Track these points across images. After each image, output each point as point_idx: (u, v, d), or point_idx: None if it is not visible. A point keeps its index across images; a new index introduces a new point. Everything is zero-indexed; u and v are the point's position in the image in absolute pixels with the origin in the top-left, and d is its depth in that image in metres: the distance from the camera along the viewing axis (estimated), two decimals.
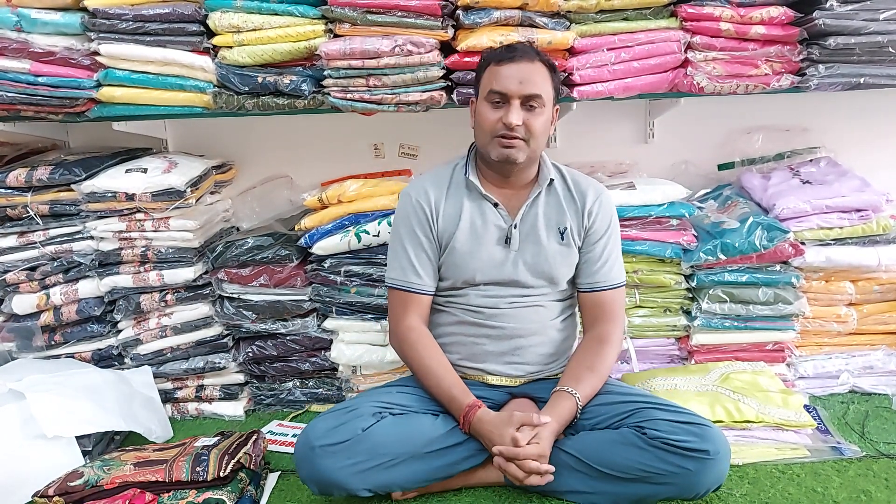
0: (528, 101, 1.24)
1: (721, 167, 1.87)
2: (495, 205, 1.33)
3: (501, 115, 1.25)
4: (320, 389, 1.73)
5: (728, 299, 1.58)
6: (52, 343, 1.68)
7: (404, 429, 1.21)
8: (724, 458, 1.15)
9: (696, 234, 1.62)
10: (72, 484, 1.20)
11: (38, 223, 1.63)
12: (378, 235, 1.59)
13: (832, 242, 1.58)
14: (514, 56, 1.25)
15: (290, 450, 1.23)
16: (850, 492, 1.24)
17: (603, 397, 1.27)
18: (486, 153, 1.30)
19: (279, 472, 1.40)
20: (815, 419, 1.49)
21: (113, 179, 1.60)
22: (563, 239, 1.33)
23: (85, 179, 1.60)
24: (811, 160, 1.78)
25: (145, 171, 1.63)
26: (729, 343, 1.63)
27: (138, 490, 1.20)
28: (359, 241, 1.60)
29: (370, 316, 1.64)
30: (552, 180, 1.34)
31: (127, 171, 1.63)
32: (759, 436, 1.38)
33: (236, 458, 1.26)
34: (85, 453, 1.40)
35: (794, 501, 1.22)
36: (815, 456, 1.35)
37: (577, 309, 1.43)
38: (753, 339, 1.62)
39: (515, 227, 1.32)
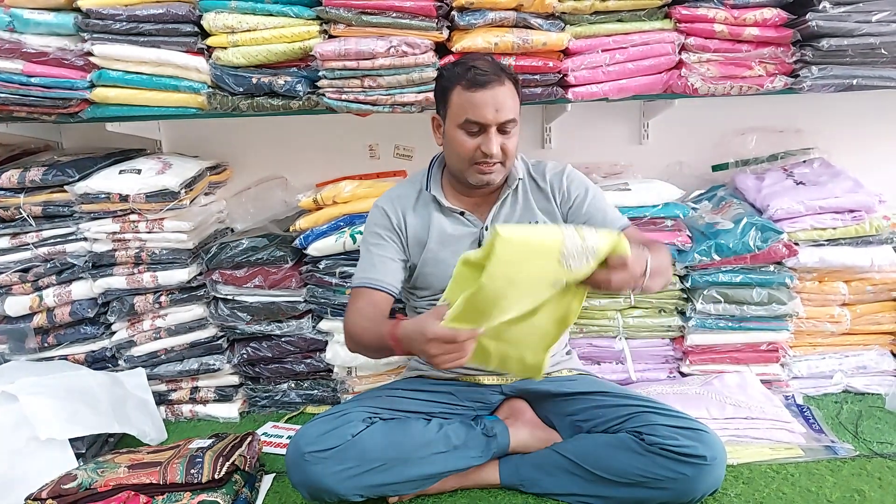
0: (504, 126, 1.21)
1: (715, 168, 1.88)
2: (461, 213, 1.32)
3: (479, 143, 1.21)
4: (315, 391, 1.73)
5: (722, 300, 1.59)
6: (46, 345, 1.67)
7: (394, 434, 1.21)
8: (721, 463, 1.15)
9: (690, 235, 1.62)
10: (65, 486, 1.19)
11: (31, 224, 1.62)
12: None
13: (825, 243, 1.59)
14: (486, 81, 1.18)
15: (285, 451, 1.23)
16: (843, 491, 1.25)
17: (601, 399, 1.27)
18: (462, 177, 1.28)
19: (274, 474, 1.39)
20: (808, 419, 1.50)
21: (106, 180, 1.59)
22: None
23: (78, 181, 1.59)
24: (805, 161, 1.79)
25: (139, 172, 1.62)
26: (723, 343, 1.63)
27: (132, 492, 1.19)
28: (354, 243, 1.59)
29: None
30: (519, 180, 1.33)
31: (121, 173, 1.62)
32: (753, 435, 1.38)
33: (231, 460, 1.25)
34: (78, 456, 1.40)
35: (789, 501, 1.23)
36: (809, 455, 1.35)
37: None
38: (747, 339, 1.62)
39: (486, 229, 1.31)
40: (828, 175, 1.70)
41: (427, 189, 1.34)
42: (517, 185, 1.33)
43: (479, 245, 1.31)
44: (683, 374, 1.67)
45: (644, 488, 1.16)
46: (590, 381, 1.36)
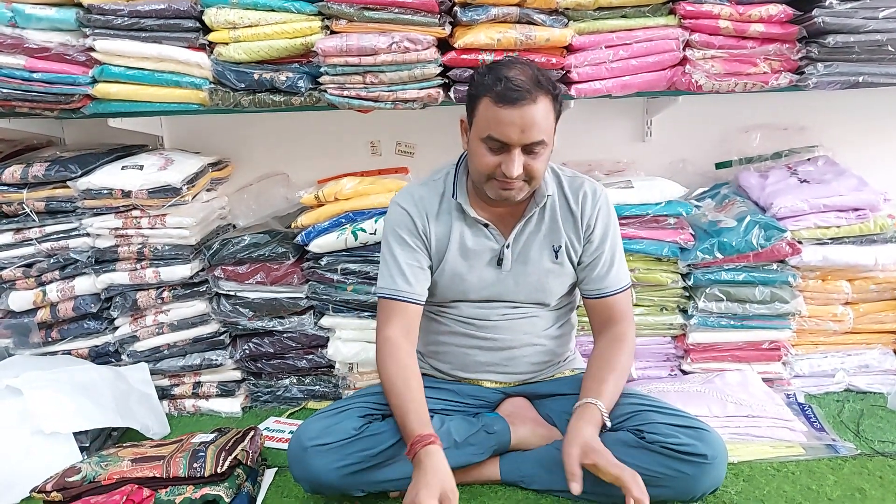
0: (530, 147, 1.14)
1: (719, 166, 1.87)
2: (486, 225, 1.28)
3: (500, 161, 1.14)
4: (317, 386, 1.73)
5: (725, 298, 1.58)
6: (49, 340, 1.68)
7: (396, 430, 1.20)
8: (722, 462, 1.15)
9: (693, 233, 1.62)
10: (69, 480, 1.21)
11: (34, 220, 1.62)
12: (375, 233, 1.59)
13: (829, 241, 1.58)
14: (516, 99, 1.10)
15: (287, 446, 1.24)
16: (844, 489, 1.25)
17: None
18: (482, 189, 1.22)
19: (276, 469, 1.40)
20: (810, 417, 1.50)
21: (109, 176, 1.60)
22: (556, 258, 1.28)
23: (81, 176, 1.59)
24: (809, 159, 1.77)
25: (141, 168, 1.63)
26: (725, 342, 1.63)
27: (136, 486, 1.20)
28: (355, 239, 1.59)
29: (367, 314, 1.64)
30: (548, 196, 1.26)
31: (123, 168, 1.62)
32: (754, 433, 1.38)
33: (233, 455, 1.26)
34: (82, 449, 1.41)
35: (789, 499, 1.23)
36: (810, 454, 1.35)
37: (573, 312, 1.41)
38: (749, 337, 1.62)
39: (508, 247, 1.27)
40: (832, 173, 1.69)
41: (453, 196, 1.27)
42: (545, 202, 1.26)
43: (499, 263, 1.28)
44: (685, 372, 1.67)
45: (646, 486, 1.16)
46: None
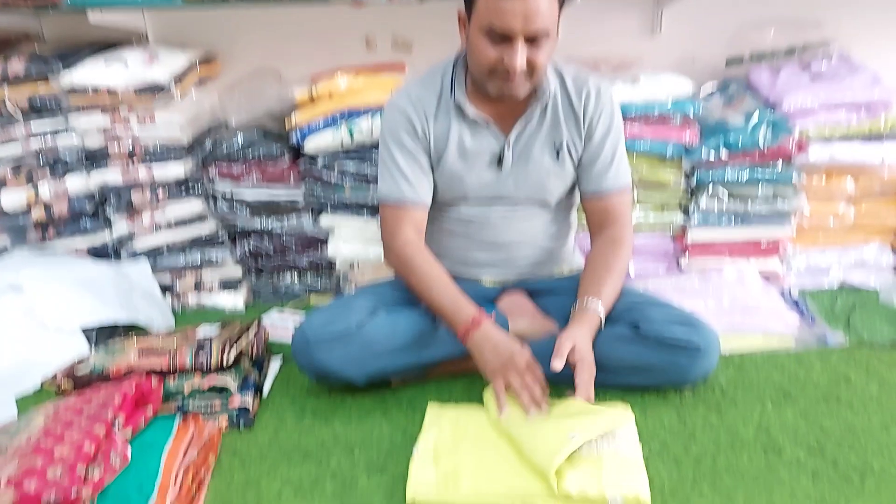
0: (533, 38, 1.08)
1: (729, 62, 1.79)
2: (486, 123, 1.23)
3: (502, 54, 1.09)
4: (318, 282, 1.74)
5: (727, 197, 1.57)
6: (46, 238, 1.65)
7: (397, 323, 1.22)
8: (715, 352, 1.18)
9: (699, 132, 1.57)
10: (79, 373, 1.23)
11: (17, 118, 1.56)
12: (371, 133, 1.54)
13: (838, 140, 1.54)
14: None
15: (291, 338, 1.25)
16: (831, 376, 1.28)
17: None
18: (482, 85, 1.16)
19: (281, 359, 1.43)
20: (803, 311, 1.52)
21: (93, 72, 1.52)
22: (557, 157, 1.25)
23: (63, 72, 1.51)
24: (823, 55, 1.70)
25: (126, 64, 1.55)
26: (725, 240, 1.63)
27: (145, 374, 1.22)
28: (351, 139, 1.55)
29: (366, 213, 1.62)
30: (551, 94, 1.21)
31: (106, 63, 1.54)
32: (748, 327, 1.41)
33: (238, 346, 1.27)
34: (88, 341, 1.42)
35: (777, 385, 1.27)
36: (800, 345, 1.38)
37: (572, 211, 1.40)
38: (750, 235, 1.62)
39: (508, 146, 1.24)
40: (846, 69, 1.63)
41: (451, 95, 1.22)
42: (547, 100, 1.22)
43: (499, 163, 1.25)
44: (683, 270, 1.68)
45: (639, 374, 1.20)
46: None
